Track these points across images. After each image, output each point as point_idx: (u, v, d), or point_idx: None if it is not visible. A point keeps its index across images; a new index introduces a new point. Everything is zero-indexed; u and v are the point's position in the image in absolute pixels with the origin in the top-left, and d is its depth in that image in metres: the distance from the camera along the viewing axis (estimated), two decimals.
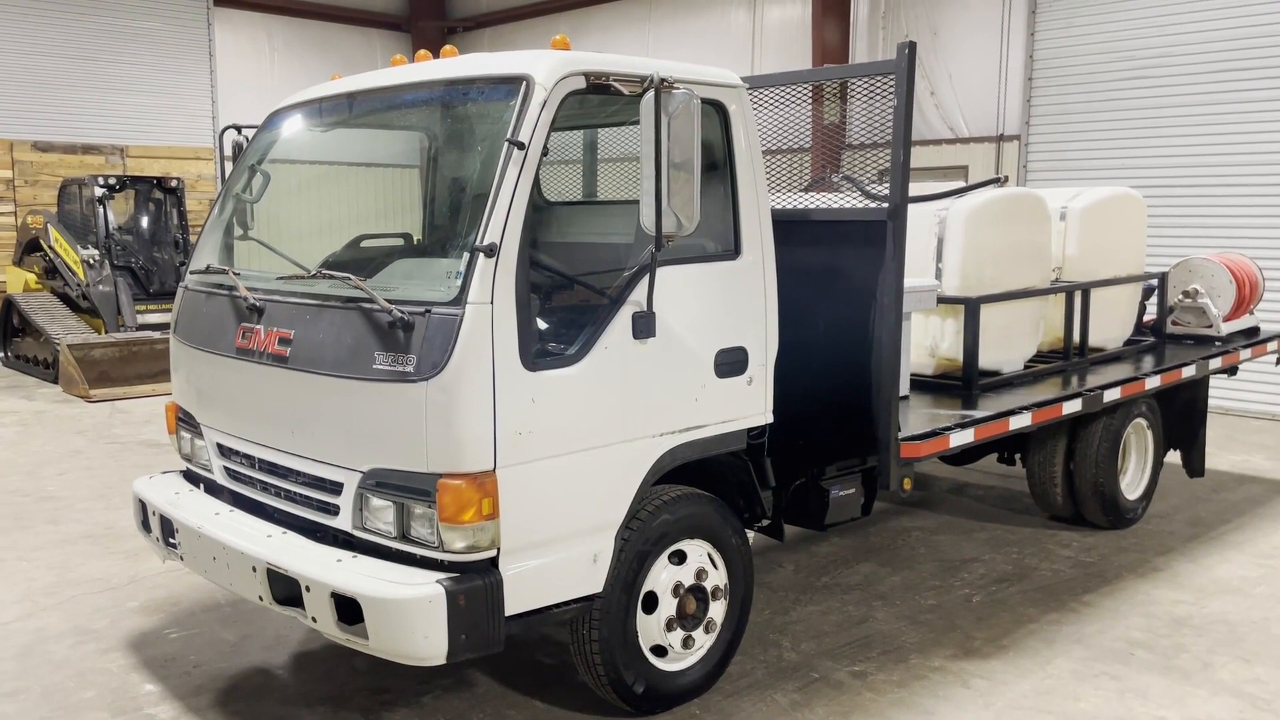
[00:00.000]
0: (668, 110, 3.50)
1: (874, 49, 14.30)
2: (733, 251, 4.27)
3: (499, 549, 3.56)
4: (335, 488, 3.81)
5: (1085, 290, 6.58)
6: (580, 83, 3.76)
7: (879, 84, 4.84)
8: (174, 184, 14.04)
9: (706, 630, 4.32)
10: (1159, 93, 11.21)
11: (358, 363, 3.65)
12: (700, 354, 4.13)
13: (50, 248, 13.66)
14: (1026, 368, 6.35)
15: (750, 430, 4.42)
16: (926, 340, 5.97)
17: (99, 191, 13.38)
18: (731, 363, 4.24)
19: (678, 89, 3.52)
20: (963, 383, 5.80)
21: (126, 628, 5.14)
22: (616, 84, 3.78)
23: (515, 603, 3.61)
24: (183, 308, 4.73)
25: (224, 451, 4.41)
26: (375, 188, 6.08)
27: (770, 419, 4.45)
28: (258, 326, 4.11)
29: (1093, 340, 6.83)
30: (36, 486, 7.89)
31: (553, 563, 3.72)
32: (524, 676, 4.57)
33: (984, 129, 13.13)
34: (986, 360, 5.99)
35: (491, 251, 3.47)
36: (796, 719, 4.23)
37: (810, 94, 5.66)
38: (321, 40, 18.73)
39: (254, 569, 3.81)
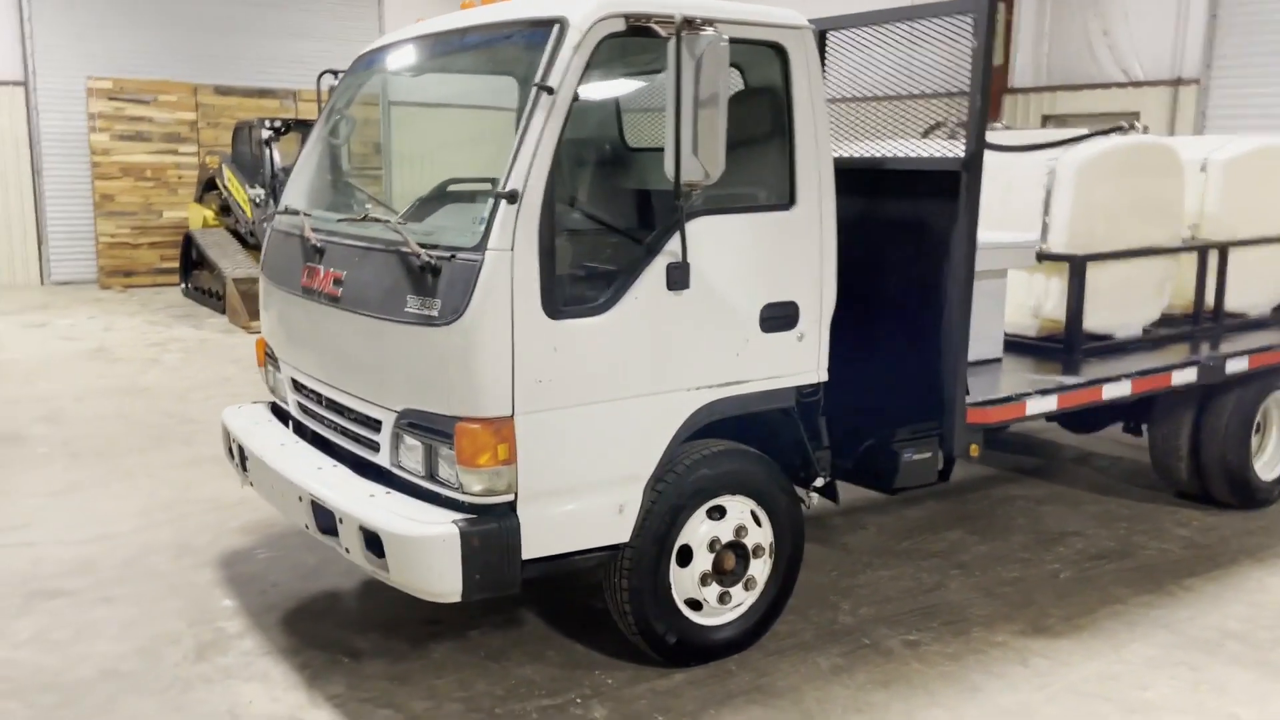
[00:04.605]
0: (693, 52, 3.38)
1: None
2: (787, 202, 4.12)
3: (516, 494, 3.60)
4: (376, 425, 3.93)
5: (1222, 250, 6.03)
6: (620, 25, 3.67)
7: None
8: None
9: (746, 588, 4.26)
10: None
11: (393, 305, 3.74)
12: (743, 307, 4.02)
13: (224, 186, 14.55)
14: (1146, 333, 5.90)
15: (803, 388, 4.29)
16: (1030, 300, 5.63)
17: (266, 134, 14.10)
18: (780, 318, 4.11)
19: (704, 30, 3.39)
20: (1065, 346, 5.44)
21: (223, 545, 5.50)
22: (656, 26, 3.67)
23: (533, 547, 3.65)
24: (269, 247, 4.96)
25: (297, 387, 4.62)
26: (471, 130, 6.16)
27: (824, 377, 4.30)
28: (319, 266, 4.26)
29: (1233, 305, 6.30)
30: (182, 410, 8.50)
31: (574, 510, 3.74)
32: (571, 620, 4.64)
33: (1159, 72, 12.17)
34: (1097, 323, 5.61)
35: (514, 198, 3.47)
36: (833, 683, 4.14)
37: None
38: None
39: (300, 499, 3.99)
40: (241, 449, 4.60)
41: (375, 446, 3.96)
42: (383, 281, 3.84)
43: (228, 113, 16.47)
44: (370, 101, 5.03)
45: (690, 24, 3.39)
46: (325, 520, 3.88)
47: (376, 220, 3.97)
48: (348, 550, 3.78)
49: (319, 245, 4.27)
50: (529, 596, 4.82)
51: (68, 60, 15.76)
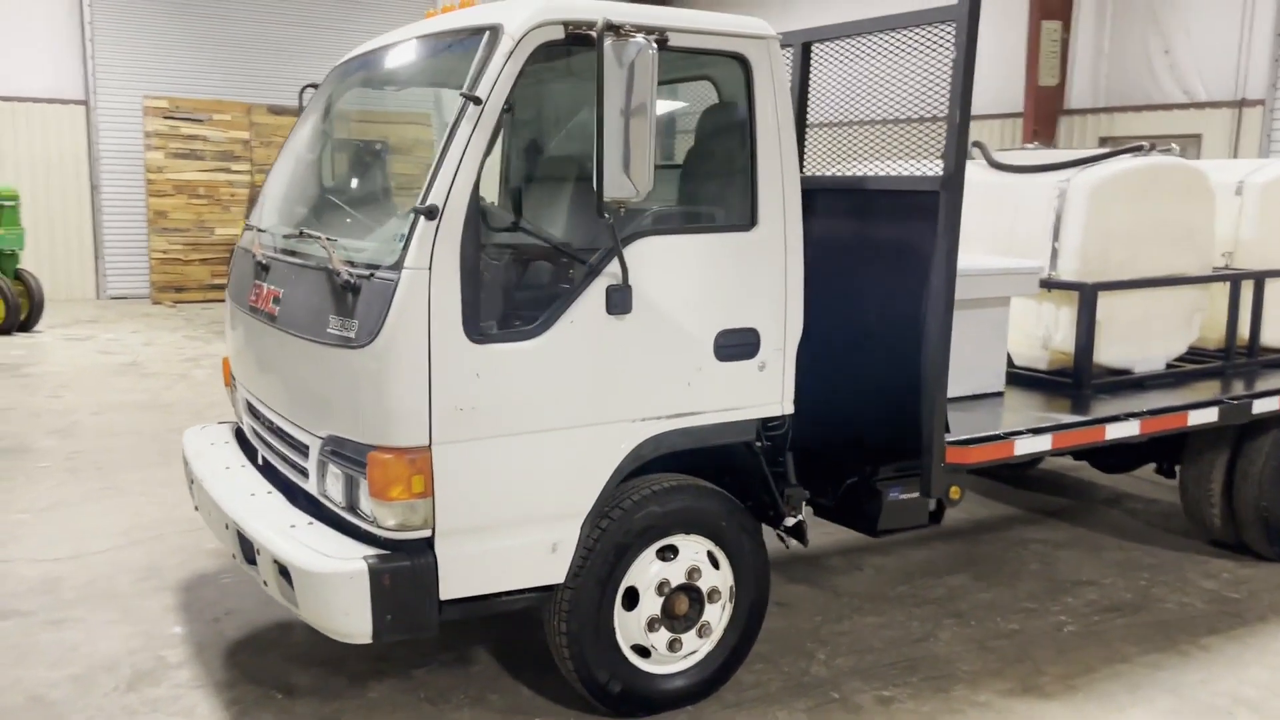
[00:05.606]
0: (621, 60, 3.14)
1: (1103, 2, 12.91)
2: (747, 223, 3.85)
3: (434, 529, 3.37)
4: (305, 451, 3.74)
5: (1259, 279, 5.59)
6: (558, 33, 3.44)
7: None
8: (378, 147, 14.68)
9: (700, 634, 3.97)
10: None
11: (318, 325, 3.56)
12: (695, 334, 3.75)
13: None
14: (1170, 367, 5.47)
15: (767, 421, 4.00)
16: (1039, 330, 5.25)
17: None
18: (737, 345, 3.84)
19: (633, 37, 3.15)
20: (1073, 381, 5.05)
21: (191, 569, 5.36)
22: (594, 33, 3.43)
23: (452, 587, 3.42)
24: (232, 265, 4.83)
25: (250, 409, 4.46)
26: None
27: (789, 410, 4.01)
28: (264, 284, 4.11)
29: (1273, 339, 5.83)
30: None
31: (500, 549, 3.50)
32: (524, 660, 4.38)
33: (1223, 92, 11.59)
34: (1114, 356, 5.22)
35: (433, 214, 3.26)
36: None
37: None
38: None
39: (227, 527, 3.82)
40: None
41: (305, 473, 3.78)
42: (312, 300, 3.66)
43: (280, 132, 16.63)
44: (342, 116, 4.92)
45: (616, 30, 3.15)
46: (248, 550, 3.70)
47: (311, 236, 3.80)
48: (265, 583, 3.60)
49: (264, 262, 4.13)
50: (485, 633, 4.59)
51: (125, 79, 16.10)
